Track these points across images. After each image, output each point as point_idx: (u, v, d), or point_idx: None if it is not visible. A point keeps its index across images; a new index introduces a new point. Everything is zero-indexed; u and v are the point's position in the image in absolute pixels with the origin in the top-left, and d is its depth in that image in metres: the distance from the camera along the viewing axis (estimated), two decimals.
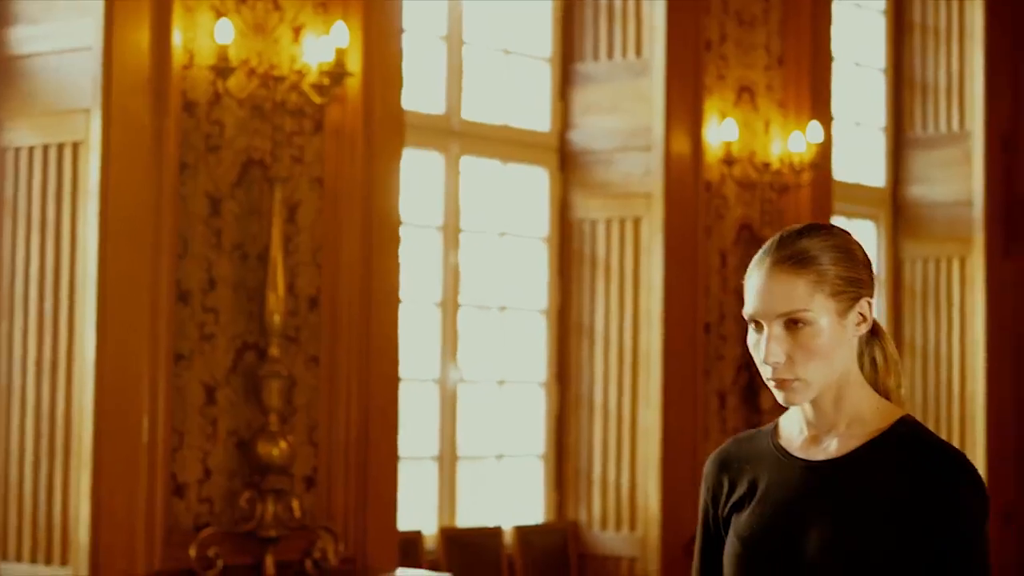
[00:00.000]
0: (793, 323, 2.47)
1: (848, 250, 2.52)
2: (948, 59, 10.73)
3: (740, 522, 2.54)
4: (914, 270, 10.71)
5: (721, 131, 8.57)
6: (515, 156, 8.40)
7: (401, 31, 6.88)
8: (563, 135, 8.55)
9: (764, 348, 2.48)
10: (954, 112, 10.72)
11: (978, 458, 10.17)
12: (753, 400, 8.69)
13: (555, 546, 8.24)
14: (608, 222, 8.38)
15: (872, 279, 2.55)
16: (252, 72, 6.22)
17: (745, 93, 8.82)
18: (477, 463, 8.24)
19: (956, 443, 9.97)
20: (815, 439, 2.55)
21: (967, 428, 10.44)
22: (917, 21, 10.81)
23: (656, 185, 8.25)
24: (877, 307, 2.53)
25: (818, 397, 2.52)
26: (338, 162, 6.56)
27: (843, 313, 2.50)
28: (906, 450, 2.49)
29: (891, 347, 2.62)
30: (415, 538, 7.54)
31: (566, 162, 8.54)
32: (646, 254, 8.26)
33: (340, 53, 6.27)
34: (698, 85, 8.49)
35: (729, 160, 8.57)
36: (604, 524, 8.29)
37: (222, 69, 6.04)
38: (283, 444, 6.19)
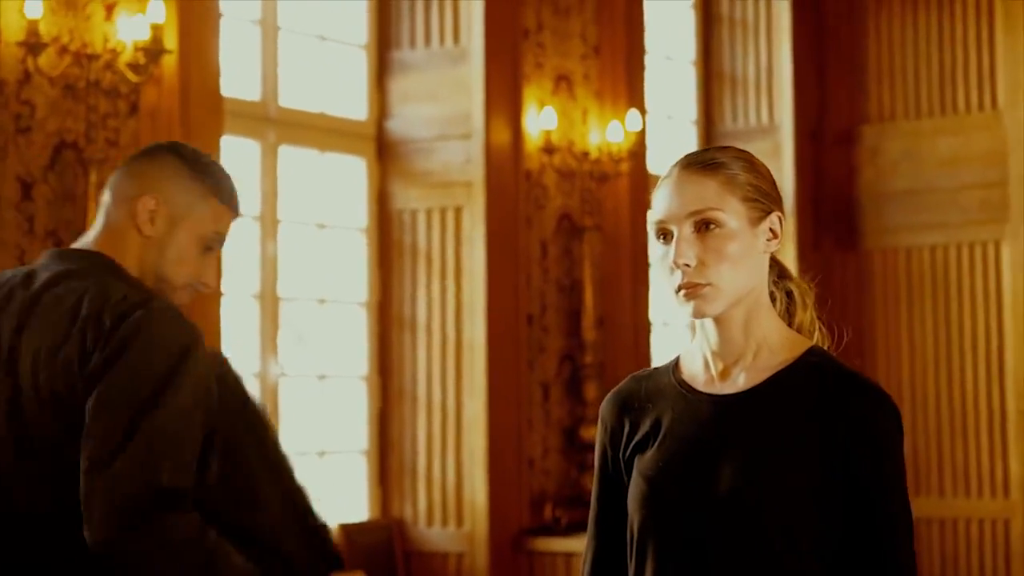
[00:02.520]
0: (704, 225, 2.39)
1: (755, 164, 2.48)
2: (756, 52, 10.79)
3: (645, 461, 2.41)
4: None
5: (540, 120, 8.46)
6: (332, 145, 8.18)
7: (219, 12, 6.66)
8: (381, 123, 8.36)
9: (674, 250, 2.37)
10: (763, 105, 10.78)
11: None
12: (577, 391, 8.60)
13: (380, 544, 8.04)
14: (428, 212, 8.22)
15: (781, 200, 2.47)
16: (64, 49, 5.93)
17: (563, 82, 8.74)
18: (299, 460, 8.01)
19: None
20: (723, 373, 2.43)
21: None
22: (725, 14, 10.84)
23: (477, 174, 8.11)
24: None
25: (727, 320, 2.41)
26: None
27: (754, 222, 2.42)
28: (818, 380, 2.40)
29: (804, 285, 2.55)
30: None
31: (384, 151, 8.35)
32: (468, 244, 8.11)
33: (156, 30, 6.01)
34: (517, 73, 8.38)
35: (549, 149, 8.47)
36: (430, 520, 8.12)
37: (32, 45, 5.74)
38: None
